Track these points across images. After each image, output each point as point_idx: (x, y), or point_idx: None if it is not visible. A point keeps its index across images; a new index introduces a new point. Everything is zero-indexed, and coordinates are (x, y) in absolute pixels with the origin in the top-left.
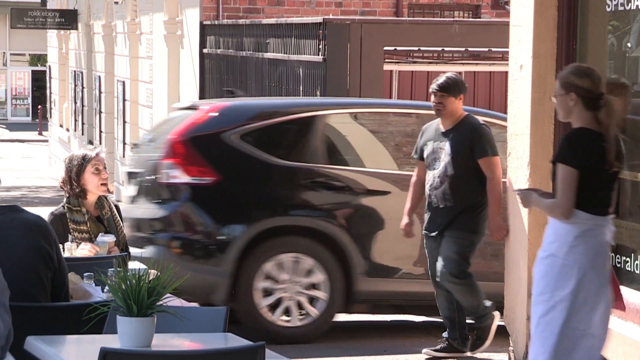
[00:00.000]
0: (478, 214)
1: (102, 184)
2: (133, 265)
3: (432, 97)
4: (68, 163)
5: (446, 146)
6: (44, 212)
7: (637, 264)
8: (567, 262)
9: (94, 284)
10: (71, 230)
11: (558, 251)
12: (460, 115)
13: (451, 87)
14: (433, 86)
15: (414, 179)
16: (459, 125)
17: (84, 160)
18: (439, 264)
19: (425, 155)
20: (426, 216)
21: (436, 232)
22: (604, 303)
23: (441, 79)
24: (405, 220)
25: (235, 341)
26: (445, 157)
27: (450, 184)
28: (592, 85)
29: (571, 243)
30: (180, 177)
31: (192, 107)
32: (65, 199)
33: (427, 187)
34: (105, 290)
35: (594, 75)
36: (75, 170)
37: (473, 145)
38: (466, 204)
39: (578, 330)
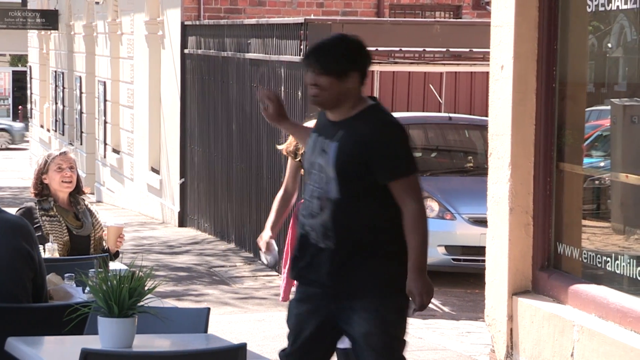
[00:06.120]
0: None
1: (63, 182)
2: (114, 266)
3: None
4: (37, 163)
5: None
6: None
7: (617, 264)
8: None
9: (74, 285)
10: (42, 219)
11: None
12: None
13: None
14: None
15: None
16: None
17: (48, 159)
18: None
19: None
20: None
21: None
22: None
23: None
24: None
25: (217, 342)
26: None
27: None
28: None
29: None
30: None
31: None
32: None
33: None
34: (86, 291)
35: None
36: (39, 169)
37: None
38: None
39: None
